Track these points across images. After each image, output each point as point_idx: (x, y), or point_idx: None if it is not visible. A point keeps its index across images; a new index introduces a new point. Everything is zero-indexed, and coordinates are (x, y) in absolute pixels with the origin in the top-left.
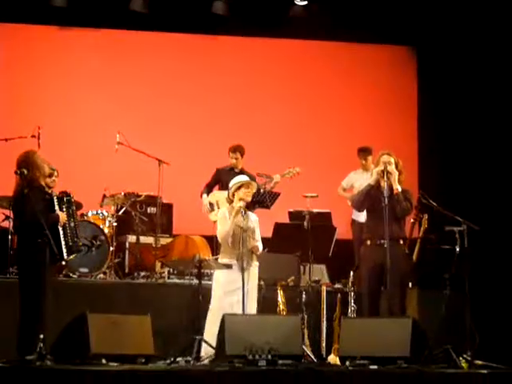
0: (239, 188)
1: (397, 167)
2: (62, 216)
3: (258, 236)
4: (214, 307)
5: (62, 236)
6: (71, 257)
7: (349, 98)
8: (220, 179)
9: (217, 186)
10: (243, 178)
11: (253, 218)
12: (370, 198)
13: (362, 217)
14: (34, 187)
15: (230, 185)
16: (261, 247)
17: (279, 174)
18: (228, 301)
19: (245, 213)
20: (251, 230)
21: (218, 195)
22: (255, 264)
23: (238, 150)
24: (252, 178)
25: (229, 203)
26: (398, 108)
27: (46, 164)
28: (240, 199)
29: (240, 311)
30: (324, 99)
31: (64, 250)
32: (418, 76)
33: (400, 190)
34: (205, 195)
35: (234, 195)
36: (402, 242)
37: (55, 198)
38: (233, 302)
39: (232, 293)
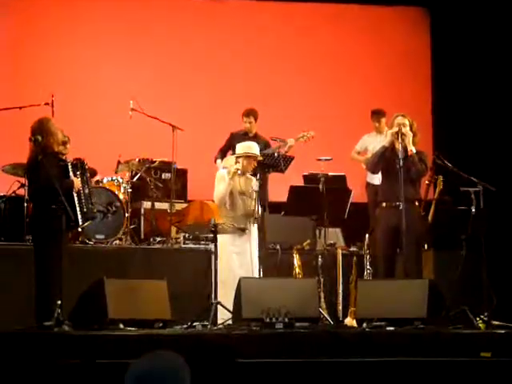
0: (239, 157)
1: (411, 129)
2: (77, 182)
3: (256, 199)
4: (222, 280)
5: (76, 202)
6: (86, 223)
7: (362, 61)
8: (234, 144)
9: (230, 151)
10: (244, 148)
11: (253, 179)
12: (384, 160)
13: (376, 179)
14: (47, 153)
15: (236, 150)
16: (260, 210)
17: (293, 138)
18: (233, 269)
19: (243, 174)
20: (249, 194)
21: (232, 160)
22: (254, 228)
23: (251, 113)
24: (265, 143)
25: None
26: (411, 70)
27: (59, 131)
28: (244, 172)
29: (243, 275)
30: (337, 62)
31: (79, 217)
32: (432, 37)
33: (415, 151)
34: (219, 160)
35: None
36: (417, 203)
37: (69, 164)
38: (236, 267)
39: (234, 256)
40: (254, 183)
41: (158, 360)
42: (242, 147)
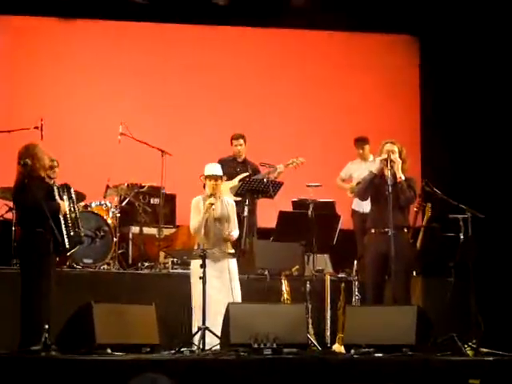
0: (206, 179)
1: (400, 155)
2: (63, 205)
3: (232, 224)
4: (197, 304)
5: (63, 226)
6: (75, 248)
7: (351, 88)
8: (222, 169)
9: None
10: (213, 170)
11: (229, 202)
12: (373, 187)
13: (362, 206)
14: (33, 177)
15: (205, 170)
16: (236, 234)
17: (283, 164)
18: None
19: (213, 199)
20: (224, 219)
21: (221, 186)
22: (230, 252)
23: (241, 137)
24: (255, 168)
25: (234, 195)
26: (400, 98)
27: (46, 156)
28: (211, 194)
29: (222, 299)
30: (326, 89)
31: (66, 241)
32: (421, 66)
33: (403, 178)
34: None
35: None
36: (406, 230)
37: (55, 187)
38: (214, 294)
39: (212, 286)
40: (230, 204)
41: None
42: (206, 169)
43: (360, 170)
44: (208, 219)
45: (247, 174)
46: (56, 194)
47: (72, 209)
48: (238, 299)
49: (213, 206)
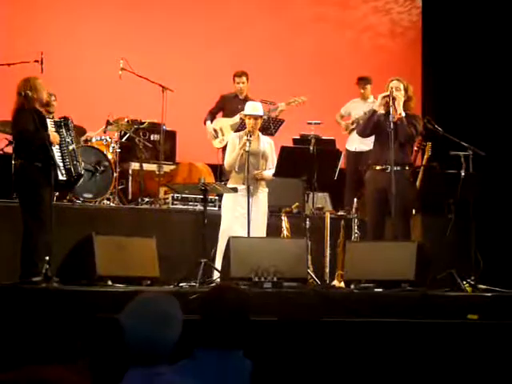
0: (246, 116)
1: (407, 92)
2: (55, 136)
3: (270, 162)
4: (224, 230)
5: (58, 157)
6: (79, 182)
7: (354, 24)
8: (224, 106)
9: (220, 113)
10: (254, 109)
11: (266, 141)
12: (374, 124)
13: (354, 145)
14: (26, 109)
15: (246, 109)
16: (271, 172)
17: (284, 102)
18: (236, 227)
19: (250, 137)
20: (260, 156)
21: (222, 122)
22: (263, 190)
23: (244, 74)
24: None
25: (233, 131)
26: (402, 35)
27: (45, 91)
28: (250, 132)
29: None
30: (328, 25)
31: (63, 172)
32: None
33: (404, 114)
34: (208, 122)
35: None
36: (407, 168)
37: (51, 120)
38: (241, 228)
39: (238, 218)
40: (267, 142)
41: (155, 297)
42: (248, 108)
43: (359, 109)
44: (243, 155)
45: None
46: (49, 125)
47: (70, 141)
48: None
49: (249, 140)
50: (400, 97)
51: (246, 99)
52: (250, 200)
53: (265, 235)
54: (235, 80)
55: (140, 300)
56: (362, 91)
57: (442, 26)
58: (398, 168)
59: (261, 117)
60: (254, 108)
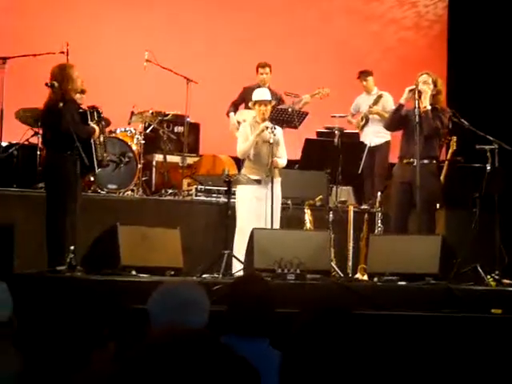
0: (255, 104)
1: (435, 86)
2: (97, 130)
3: (282, 149)
4: (241, 227)
5: (93, 149)
6: (98, 170)
7: (378, 16)
8: (247, 98)
9: (243, 105)
10: (262, 94)
11: (277, 131)
12: (399, 118)
13: (368, 139)
14: (67, 100)
15: (253, 95)
16: (285, 161)
17: (309, 94)
18: (253, 219)
19: (268, 129)
20: (275, 144)
21: (245, 114)
22: (278, 179)
23: (267, 65)
24: (279, 97)
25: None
26: (428, 28)
27: (79, 79)
28: (263, 119)
29: (257, 225)
30: (351, 17)
31: (95, 163)
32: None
33: (430, 108)
34: (232, 114)
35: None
36: (433, 161)
37: (88, 112)
38: (259, 220)
39: (257, 211)
40: (278, 132)
41: (182, 284)
42: (256, 94)
43: (365, 103)
44: (258, 141)
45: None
46: (89, 117)
47: (101, 133)
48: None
49: (268, 130)
50: (427, 90)
51: (269, 91)
52: (266, 190)
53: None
54: (258, 71)
55: (166, 287)
56: (364, 83)
57: (468, 19)
58: (424, 161)
59: (270, 102)
60: (262, 94)
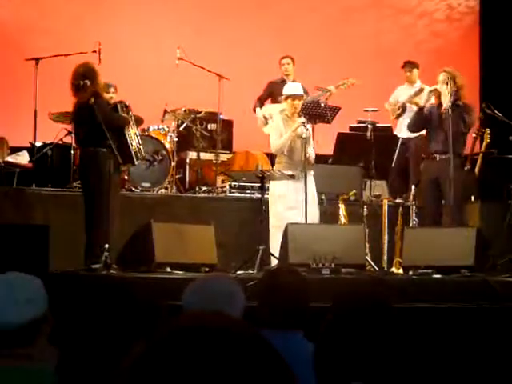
0: (287, 98)
1: (455, 82)
2: (131, 119)
3: (311, 144)
4: (275, 224)
5: (129, 141)
6: (137, 162)
7: (410, 9)
8: (272, 92)
9: (269, 100)
10: (295, 88)
11: (309, 126)
12: (422, 120)
13: (400, 132)
14: (98, 97)
15: (285, 89)
16: (313, 155)
17: (334, 86)
18: (289, 215)
19: (306, 123)
20: (307, 139)
21: (271, 108)
22: (311, 173)
23: (288, 56)
24: (304, 91)
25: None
26: (459, 20)
27: (100, 76)
28: (295, 114)
29: (293, 220)
30: (385, 10)
31: (133, 155)
32: None
33: (449, 106)
34: (258, 109)
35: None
36: (459, 156)
37: (118, 104)
38: (294, 215)
39: (292, 207)
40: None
41: (217, 277)
42: (288, 88)
43: (406, 94)
44: (294, 139)
45: None
46: (119, 111)
47: (132, 125)
48: (315, 222)
49: (304, 126)
50: (445, 91)
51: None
52: (301, 185)
53: (318, 219)
54: (281, 62)
55: (201, 279)
56: (408, 74)
57: (500, 10)
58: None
59: (301, 96)
60: (295, 88)
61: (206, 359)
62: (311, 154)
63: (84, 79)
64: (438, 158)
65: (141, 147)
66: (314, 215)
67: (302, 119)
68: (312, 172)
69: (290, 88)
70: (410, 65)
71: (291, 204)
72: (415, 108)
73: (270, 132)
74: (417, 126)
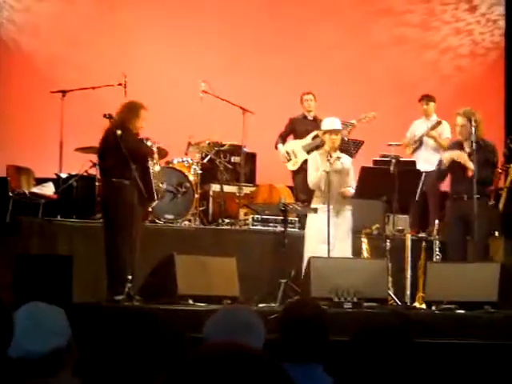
0: (325, 133)
1: (470, 121)
2: (155, 151)
3: (351, 179)
4: (310, 256)
5: (151, 177)
6: (156, 202)
7: (434, 46)
8: (294, 128)
9: (291, 136)
10: (332, 124)
11: (346, 160)
12: (446, 173)
13: (420, 165)
14: (126, 128)
15: (323, 124)
16: (353, 191)
17: (355, 119)
18: (321, 249)
19: (336, 158)
20: (344, 174)
21: (294, 144)
22: (348, 208)
23: (310, 92)
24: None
25: (306, 152)
26: (482, 57)
27: (142, 122)
28: (333, 148)
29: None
30: (408, 46)
31: (154, 191)
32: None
33: (473, 149)
34: (280, 145)
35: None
36: (485, 196)
37: (143, 139)
38: (326, 250)
39: (325, 241)
40: (348, 160)
41: (239, 308)
42: (327, 124)
43: (422, 127)
44: (329, 173)
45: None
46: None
47: (155, 163)
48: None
49: (340, 160)
50: (465, 158)
51: (315, 119)
52: (336, 219)
53: (350, 254)
54: (303, 98)
55: (223, 310)
56: (425, 107)
57: None
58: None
59: (339, 131)
60: (332, 123)
61: None
62: (350, 188)
63: (123, 110)
64: (465, 198)
65: (161, 185)
66: (346, 251)
67: (338, 154)
68: (349, 207)
69: (328, 123)
70: (426, 98)
71: (325, 238)
72: (432, 142)
73: (308, 167)
74: (443, 178)
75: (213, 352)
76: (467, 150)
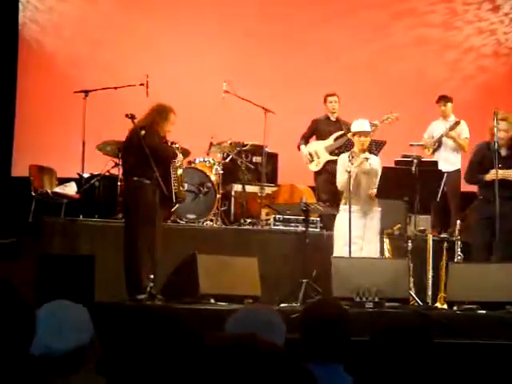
0: (354, 135)
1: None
2: (179, 155)
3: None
4: (339, 248)
5: (172, 179)
6: (177, 205)
7: (456, 46)
8: (316, 129)
9: (314, 137)
10: (361, 125)
11: (375, 161)
12: (476, 169)
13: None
14: (154, 129)
15: (353, 126)
16: None
17: (378, 120)
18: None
19: (366, 159)
20: (373, 175)
21: (316, 145)
22: (377, 209)
23: (335, 94)
24: (349, 127)
25: (329, 153)
26: (507, 56)
27: (171, 126)
28: (362, 150)
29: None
30: (430, 46)
31: (173, 194)
32: None
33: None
34: (303, 146)
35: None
36: None
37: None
38: (353, 251)
39: (353, 242)
40: (377, 162)
41: (260, 307)
42: (356, 125)
43: (440, 128)
44: (358, 173)
45: (342, 132)
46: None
47: (179, 166)
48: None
49: (368, 161)
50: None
51: (338, 121)
52: (364, 220)
53: (378, 256)
54: (327, 100)
55: (244, 309)
56: (443, 108)
57: None
58: (505, 198)
59: (368, 132)
60: (361, 125)
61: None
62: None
63: (152, 112)
64: (492, 200)
65: (181, 189)
66: (373, 253)
67: (366, 155)
68: (378, 208)
69: (358, 125)
70: (444, 99)
71: (352, 239)
72: (451, 142)
73: (337, 168)
74: (475, 176)
75: (230, 342)
76: (503, 153)
